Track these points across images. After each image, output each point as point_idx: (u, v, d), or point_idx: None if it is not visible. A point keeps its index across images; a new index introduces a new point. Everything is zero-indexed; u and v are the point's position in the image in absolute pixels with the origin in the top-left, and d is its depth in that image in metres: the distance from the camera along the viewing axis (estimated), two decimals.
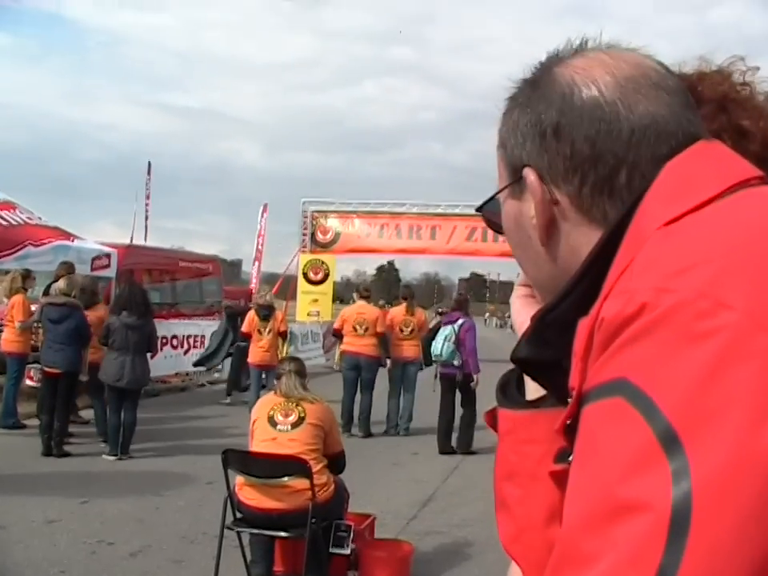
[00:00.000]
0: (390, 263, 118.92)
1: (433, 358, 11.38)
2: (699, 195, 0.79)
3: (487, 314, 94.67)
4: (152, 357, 10.81)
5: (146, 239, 23.30)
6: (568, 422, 0.80)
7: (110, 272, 13.86)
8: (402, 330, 12.61)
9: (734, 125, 0.98)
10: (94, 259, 13.57)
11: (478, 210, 1.10)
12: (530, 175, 0.93)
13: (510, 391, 1.09)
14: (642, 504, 0.64)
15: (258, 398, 12.22)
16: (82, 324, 9.95)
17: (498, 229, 1.07)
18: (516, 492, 1.02)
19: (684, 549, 0.61)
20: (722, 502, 0.62)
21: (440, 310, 33.79)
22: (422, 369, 12.91)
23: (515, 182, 0.96)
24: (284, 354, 13.29)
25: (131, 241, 20.79)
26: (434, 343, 11.23)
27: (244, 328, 13.52)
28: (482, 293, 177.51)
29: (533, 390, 1.04)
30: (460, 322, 11.34)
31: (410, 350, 12.64)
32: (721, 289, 0.67)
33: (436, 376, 11.76)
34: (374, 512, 6.35)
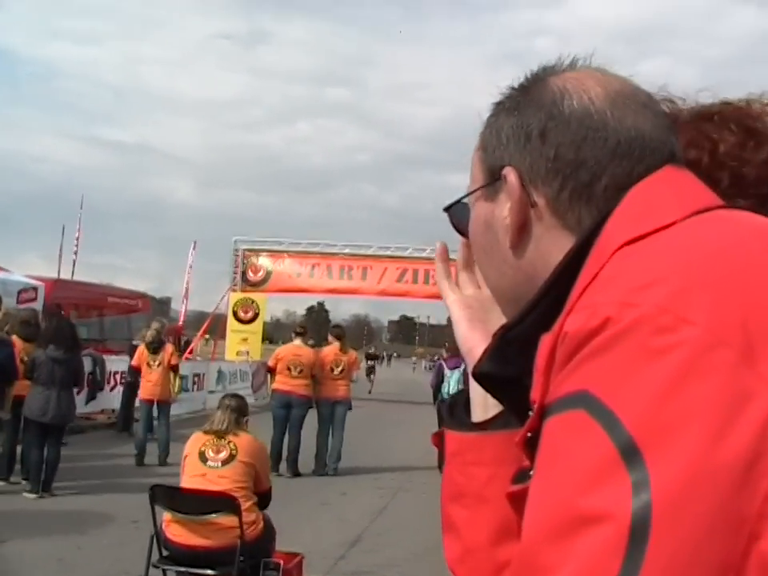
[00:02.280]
0: (321, 304, 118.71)
1: (446, 398, 12.06)
2: (662, 218, 0.81)
3: (414, 358, 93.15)
4: (78, 392, 10.63)
5: (73, 274, 22.94)
6: (529, 434, 0.80)
7: (37, 305, 13.59)
8: (332, 370, 12.55)
9: None
10: (20, 292, 13.34)
11: (446, 209, 1.10)
12: (510, 174, 0.93)
13: (458, 413, 1.09)
14: (602, 515, 0.64)
15: (147, 434, 12.29)
16: (6, 359, 9.65)
17: (462, 232, 1.07)
18: (463, 513, 1.02)
19: (643, 560, 0.62)
20: (681, 513, 0.63)
21: (370, 352, 33.94)
22: (350, 409, 12.96)
23: (491, 183, 0.97)
24: (175, 390, 12.91)
25: (58, 275, 20.45)
26: (445, 387, 12.79)
27: (134, 362, 13.31)
28: (411, 335, 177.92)
29: (480, 412, 1.05)
30: (463, 366, 12.09)
31: (340, 389, 12.63)
32: (682, 304, 0.68)
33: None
34: (301, 551, 6.28)
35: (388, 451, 14.90)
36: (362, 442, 14.79)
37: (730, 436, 0.64)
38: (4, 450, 10.28)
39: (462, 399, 1.11)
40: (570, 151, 0.90)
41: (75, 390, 10.17)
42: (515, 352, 0.88)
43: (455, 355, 13.75)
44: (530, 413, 0.79)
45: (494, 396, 0.99)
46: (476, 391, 1.05)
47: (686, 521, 0.63)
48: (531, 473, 0.78)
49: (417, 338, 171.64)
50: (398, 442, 16.55)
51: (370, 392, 29.66)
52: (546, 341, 0.78)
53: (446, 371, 13.31)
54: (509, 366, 0.90)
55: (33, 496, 9.36)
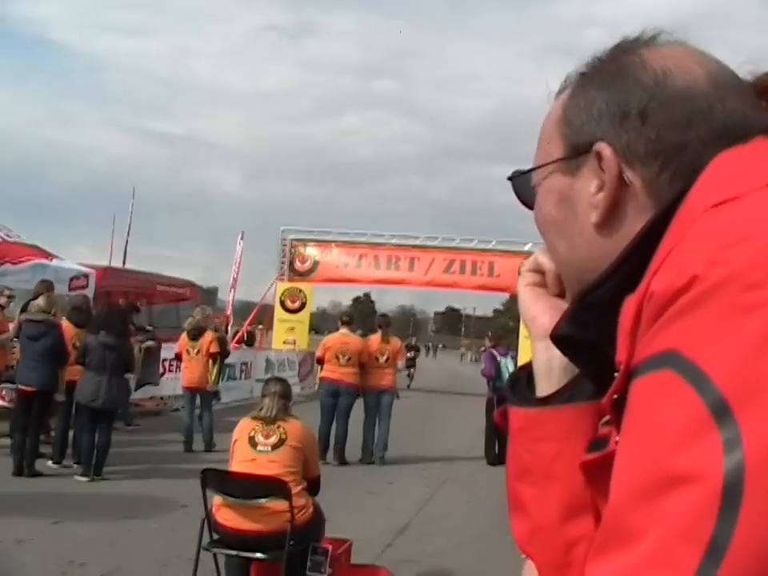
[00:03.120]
0: (367, 295, 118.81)
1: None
2: (750, 183, 0.79)
3: (463, 349, 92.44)
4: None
5: (124, 263, 23.21)
6: (615, 396, 0.78)
7: (88, 293, 13.78)
8: (377, 359, 12.59)
9: None
10: (72, 279, 13.52)
11: (511, 177, 1.09)
12: (605, 150, 0.90)
13: (520, 389, 1.07)
14: (693, 474, 0.63)
15: (192, 420, 12.44)
16: (59, 342, 9.87)
17: (524, 202, 1.06)
18: (530, 491, 1.01)
19: (737, 519, 0.61)
20: None
21: (410, 343, 33.70)
22: (397, 397, 12.98)
23: (573, 156, 0.95)
24: (212, 378, 12.87)
25: (109, 264, 20.71)
26: (504, 374, 12.70)
27: (176, 349, 13.44)
28: (456, 327, 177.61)
29: (544, 385, 1.03)
30: (511, 353, 13.27)
31: (385, 378, 12.64)
32: None
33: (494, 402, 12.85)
34: (349, 538, 6.30)
35: (434, 441, 14.92)
36: (409, 432, 14.81)
37: None
38: (57, 434, 10.47)
39: (524, 375, 1.09)
40: (673, 133, 0.88)
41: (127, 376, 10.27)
42: (594, 316, 0.86)
43: (499, 343, 13.90)
44: (616, 375, 0.78)
45: (572, 360, 0.97)
46: (540, 363, 1.04)
47: None
48: (617, 438, 0.77)
49: (462, 329, 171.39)
50: (444, 432, 16.60)
51: (408, 386, 28.70)
52: (631, 301, 0.76)
53: (499, 358, 13.22)
54: (587, 330, 0.89)
55: (84, 479, 9.54)
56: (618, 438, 0.77)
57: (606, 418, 0.89)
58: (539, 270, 1.09)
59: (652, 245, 0.79)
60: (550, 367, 1.02)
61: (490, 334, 15.19)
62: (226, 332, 19.78)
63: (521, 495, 1.02)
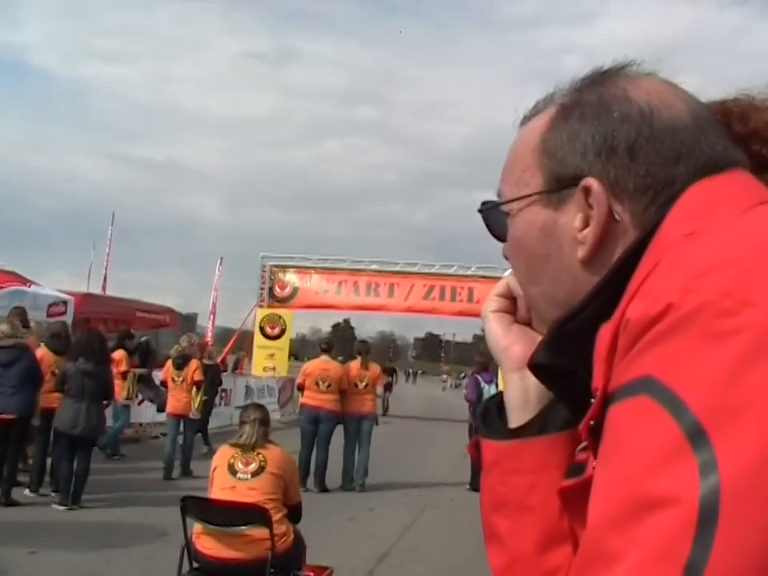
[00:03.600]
0: (346, 321, 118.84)
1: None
2: (723, 213, 0.81)
3: (444, 376, 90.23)
4: (107, 405, 10.73)
5: (104, 289, 23.12)
6: (592, 422, 0.79)
7: (67, 319, 13.70)
8: (356, 385, 12.56)
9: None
10: (50, 305, 13.46)
11: (480, 210, 1.07)
12: (594, 185, 0.90)
13: (491, 420, 1.07)
14: (670, 498, 0.64)
15: (173, 449, 12.45)
16: (33, 365, 9.70)
17: (495, 234, 1.05)
18: (505, 523, 1.01)
19: (713, 542, 0.62)
20: (751, 494, 0.62)
21: (386, 366, 33.25)
22: (377, 424, 12.96)
23: (555, 190, 0.94)
24: (196, 405, 12.91)
25: (87, 290, 20.62)
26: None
27: (161, 376, 13.62)
28: (436, 353, 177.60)
29: (518, 418, 1.03)
30: (495, 379, 12.88)
31: (365, 404, 12.63)
32: (745, 288, 0.68)
33: (471, 427, 13.22)
34: (330, 565, 6.26)
35: (415, 467, 14.87)
36: (389, 458, 14.76)
37: None
38: (34, 462, 10.35)
39: (493, 405, 1.08)
40: (662, 169, 0.88)
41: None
42: (571, 344, 0.87)
43: (486, 369, 13.80)
44: (592, 401, 0.79)
45: (548, 387, 0.98)
46: (515, 394, 1.04)
47: (755, 501, 0.62)
48: (594, 463, 0.78)
49: (443, 355, 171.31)
50: (424, 458, 16.55)
51: (385, 412, 27.31)
52: (607, 329, 0.78)
53: (483, 384, 13.18)
54: (564, 357, 0.90)
55: (62, 508, 9.41)
56: (595, 464, 0.78)
57: (583, 444, 0.90)
58: (509, 296, 1.08)
59: (629, 273, 0.80)
60: (527, 398, 1.02)
61: (477, 360, 15.22)
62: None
63: (496, 527, 1.02)
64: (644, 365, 0.71)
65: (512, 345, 1.04)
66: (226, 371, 22.34)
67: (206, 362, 15.55)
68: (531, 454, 0.99)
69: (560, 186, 0.94)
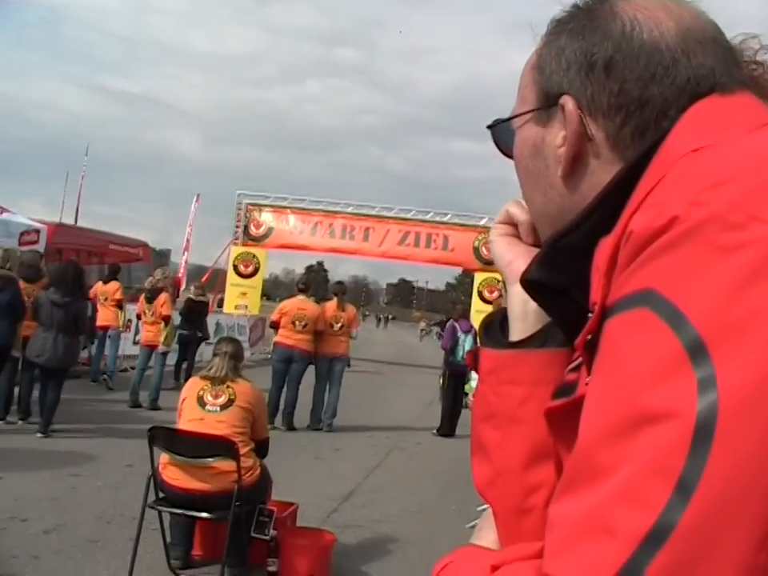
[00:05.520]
0: (320, 263, 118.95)
1: (462, 362, 12.84)
2: (729, 131, 0.79)
3: (423, 324, 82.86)
4: (89, 339, 10.84)
5: (76, 221, 22.90)
6: (589, 336, 0.77)
7: (39, 248, 13.57)
8: (332, 326, 12.57)
9: None
10: (22, 234, 13.31)
11: (490, 126, 1.07)
12: (568, 103, 0.90)
13: (493, 332, 1.07)
14: (667, 412, 0.63)
15: (140, 377, 12.79)
16: (16, 298, 9.60)
17: (504, 152, 1.05)
18: (494, 434, 1.00)
19: (707, 458, 0.61)
20: (748, 413, 0.61)
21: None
22: (348, 366, 13.02)
23: (544, 107, 0.94)
24: (162, 339, 13.07)
25: (60, 221, 20.41)
26: (459, 351, 12.95)
27: (136, 309, 14.08)
28: (408, 299, 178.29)
29: (518, 331, 1.02)
30: (473, 330, 12.92)
31: (339, 345, 12.67)
32: (753, 203, 0.66)
33: (445, 375, 13.42)
34: (295, 502, 6.31)
35: (383, 410, 15.00)
36: (358, 400, 14.86)
37: None
38: (1, 390, 10.32)
39: (497, 319, 1.08)
40: (635, 88, 0.87)
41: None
42: (566, 261, 0.86)
43: (465, 317, 13.89)
44: (590, 315, 0.77)
45: (541, 305, 0.96)
46: (515, 307, 1.03)
47: (752, 421, 0.61)
48: (588, 380, 0.76)
49: (414, 301, 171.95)
50: (393, 402, 16.68)
51: None
52: (607, 242, 0.76)
53: (460, 334, 13.14)
54: (559, 274, 0.88)
55: (40, 435, 9.49)
56: (588, 380, 0.76)
57: (573, 364, 0.89)
58: (511, 222, 1.08)
59: (624, 193, 0.79)
60: (526, 311, 1.01)
61: (456, 306, 15.40)
62: (178, 295, 19.60)
63: (484, 438, 1.02)
64: (645, 277, 0.69)
65: (515, 259, 1.04)
66: None
67: (194, 297, 15.66)
68: (528, 366, 0.99)
69: (548, 103, 0.94)
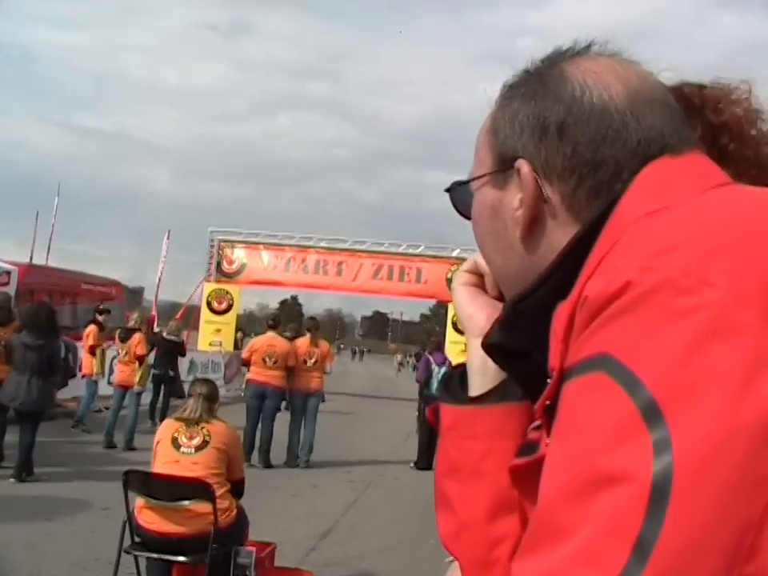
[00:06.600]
0: (294, 297, 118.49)
1: (437, 395, 12.48)
2: (681, 193, 0.81)
3: (399, 356, 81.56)
4: (63, 381, 10.77)
5: (47, 260, 22.76)
6: (547, 402, 0.79)
7: (10, 290, 13.48)
8: (305, 362, 12.55)
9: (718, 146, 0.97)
10: None
11: (448, 190, 1.08)
12: (523, 167, 0.91)
13: (453, 387, 1.08)
14: (623, 475, 0.65)
15: (115, 418, 12.66)
16: None
17: (462, 213, 1.07)
18: (457, 488, 1.02)
19: (663, 519, 0.63)
20: (703, 474, 0.63)
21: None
22: (323, 401, 12.99)
23: (501, 171, 0.95)
24: (137, 379, 13.15)
25: (30, 261, 20.27)
26: (434, 383, 12.85)
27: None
28: (383, 331, 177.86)
29: (478, 385, 1.04)
30: (447, 361, 13.14)
31: (312, 381, 12.64)
32: (704, 267, 0.69)
33: (420, 408, 13.56)
34: (273, 541, 6.26)
35: (360, 445, 14.91)
36: (334, 435, 14.79)
37: (752, 397, 0.65)
38: None
39: (456, 374, 1.10)
40: (588, 150, 0.89)
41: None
42: (525, 324, 0.88)
43: (439, 350, 13.94)
44: (548, 381, 0.79)
45: (503, 368, 0.98)
46: (475, 360, 1.05)
47: (707, 481, 0.63)
48: (547, 441, 0.78)
49: (389, 333, 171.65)
50: (370, 435, 16.59)
51: None
52: (563, 307, 0.78)
53: (434, 366, 13.21)
54: (519, 337, 0.90)
55: (12, 480, 9.36)
56: (548, 441, 0.78)
57: (536, 423, 0.91)
58: (477, 272, 1.10)
59: (581, 256, 0.81)
60: (485, 365, 1.03)
61: (431, 339, 15.47)
62: (151, 332, 19.48)
63: (448, 492, 1.03)
64: (600, 342, 0.71)
65: (477, 312, 1.06)
66: None
67: (168, 337, 15.55)
68: (488, 421, 1.00)
69: (504, 167, 0.95)
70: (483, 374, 1.04)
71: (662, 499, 0.63)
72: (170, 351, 15.50)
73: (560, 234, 0.90)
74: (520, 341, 0.90)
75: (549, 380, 0.79)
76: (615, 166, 0.88)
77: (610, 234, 0.79)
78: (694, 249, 0.71)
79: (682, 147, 0.89)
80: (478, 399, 1.03)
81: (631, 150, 0.88)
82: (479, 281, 1.10)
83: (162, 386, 15.29)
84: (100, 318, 14.66)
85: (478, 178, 1.00)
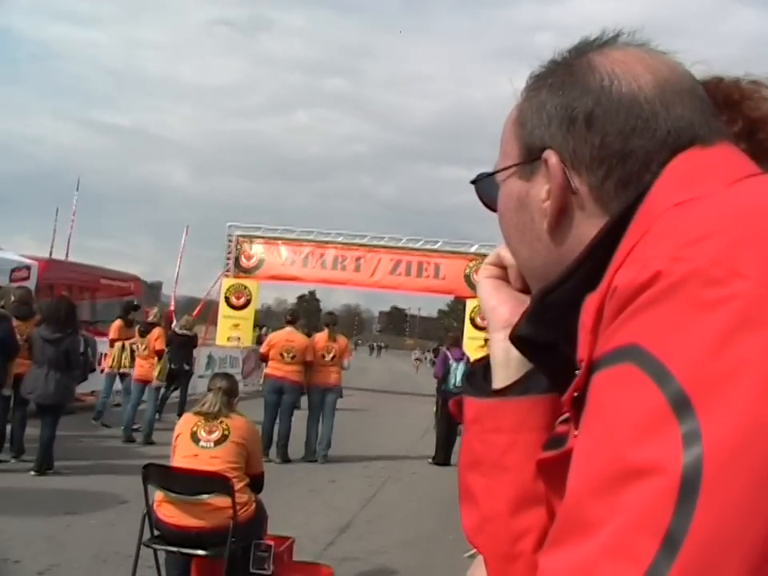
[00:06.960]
0: (312, 293, 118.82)
1: (454, 390, 12.61)
2: (711, 184, 0.80)
3: (417, 352, 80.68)
4: (83, 375, 10.84)
5: (67, 255, 22.89)
6: (576, 394, 0.79)
7: (30, 284, 13.56)
8: (323, 357, 12.58)
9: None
10: (13, 270, 13.31)
11: (473, 181, 1.08)
12: (551, 158, 0.91)
13: (477, 380, 1.08)
14: (652, 467, 0.64)
15: (134, 412, 12.81)
16: (7, 335, 9.57)
17: (488, 205, 1.06)
18: (481, 481, 1.01)
19: (693, 512, 0.62)
20: (733, 467, 0.62)
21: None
22: (341, 396, 13.01)
23: (528, 162, 0.95)
24: (156, 374, 13.20)
25: (50, 256, 20.40)
26: (451, 379, 12.97)
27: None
28: (401, 327, 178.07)
29: (501, 378, 1.03)
30: (465, 357, 13.17)
31: (330, 376, 12.65)
32: (734, 258, 0.68)
33: (438, 403, 13.56)
34: (291, 536, 6.27)
35: (377, 440, 14.93)
36: (352, 430, 14.82)
37: None
38: (14, 429, 10.27)
39: (480, 367, 1.10)
40: (617, 141, 0.88)
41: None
42: (554, 316, 0.87)
43: (457, 345, 13.91)
44: (577, 373, 0.78)
45: (531, 361, 0.98)
46: (498, 353, 1.04)
47: (738, 474, 0.62)
48: (575, 434, 0.77)
49: (407, 329, 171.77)
50: (387, 431, 16.62)
51: None
52: (593, 298, 0.77)
53: (452, 362, 13.19)
54: (546, 330, 0.89)
55: (33, 473, 9.43)
56: (576, 434, 0.77)
57: (564, 416, 0.90)
58: (500, 265, 1.09)
59: (610, 247, 0.80)
60: (508, 358, 1.02)
61: (450, 333, 15.49)
62: (170, 328, 19.58)
63: (471, 485, 1.03)
64: (630, 332, 0.70)
65: (500, 305, 1.06)
66: None
67: (180, 331, 15.61)
68: (511, 413, 1.00)
69: (530, 158, 0.95)
70: (506, 367, 1.03)
71: (691, 492, 0.62)
72: (184, 345, 15.56)
73: (588, 226, 0.89)
74: (548, 333, 0.89)
75: (577, 372, 0.78)
76: (644, 156, 0.87)
77: (640, 225, 0.79)
78: (724, 239, 0.69)
79: (711, 138, 0.88)
80: (501, 392, 1.02)
81: (660, 140, 0.87)
82: (503, 273, 1.09)
83: (174, 381, 15.38)
84: (128, 315, 14.83)
85: (505, 169, 0.99)
